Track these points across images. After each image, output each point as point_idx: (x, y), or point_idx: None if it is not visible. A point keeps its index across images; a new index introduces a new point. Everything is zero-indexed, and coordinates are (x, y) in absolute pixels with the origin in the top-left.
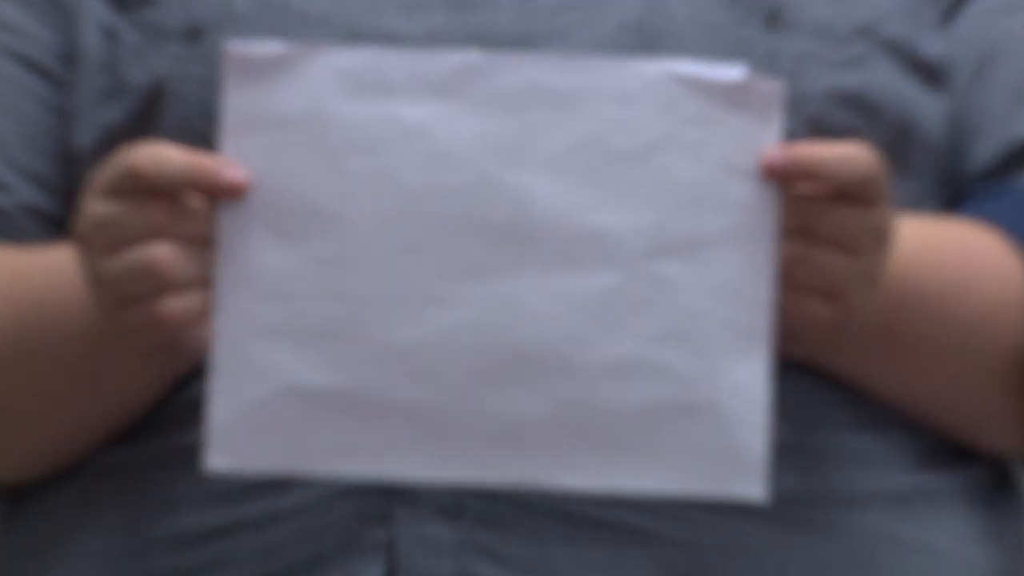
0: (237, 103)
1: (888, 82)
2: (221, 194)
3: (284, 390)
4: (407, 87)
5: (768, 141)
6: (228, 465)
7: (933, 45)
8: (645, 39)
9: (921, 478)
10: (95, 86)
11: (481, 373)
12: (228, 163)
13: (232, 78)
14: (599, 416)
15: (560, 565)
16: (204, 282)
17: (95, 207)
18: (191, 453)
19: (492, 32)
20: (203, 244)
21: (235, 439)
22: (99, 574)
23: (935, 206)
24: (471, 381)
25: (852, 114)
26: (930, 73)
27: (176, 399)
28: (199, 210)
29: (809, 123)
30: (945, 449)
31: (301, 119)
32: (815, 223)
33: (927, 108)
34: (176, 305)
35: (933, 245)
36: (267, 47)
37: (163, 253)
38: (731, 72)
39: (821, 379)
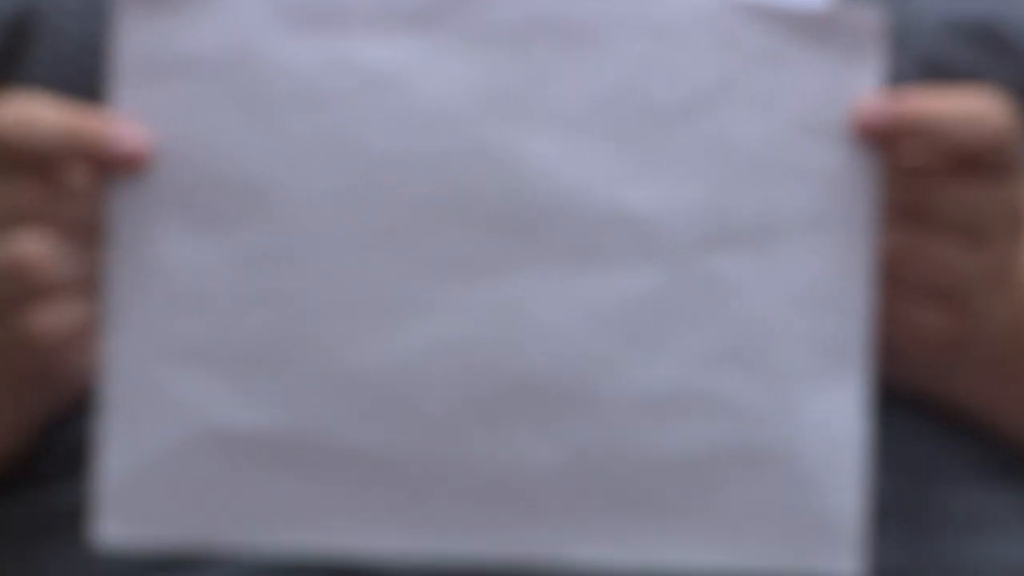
0: (134, 41)
1: None
2: (113, 167)
3: (200, 434)
4: (369, 20)
5: (863, 90)
6: (123, 535)
7: None
8: None
9: None
10: None
11: (470, 409)
12: (122, 124)
13: (127, 6)
14: (631, 467)
15: None
16: (90, 287)
17: None
18: (72, 518)
19: None
20: (88, 235)
21: (133, 500)
22: None
23: None
24: (456, 420)
25: (978, 52)
26: None
27: (53, 445)
28: (83, 189)
29: (920, 65)
30: None
31: (223, 63)
32: (927, 202)
33: None
34: (51, 317)
35: None
36: None
37: (33, 248)
38: None
39: (934, 415)
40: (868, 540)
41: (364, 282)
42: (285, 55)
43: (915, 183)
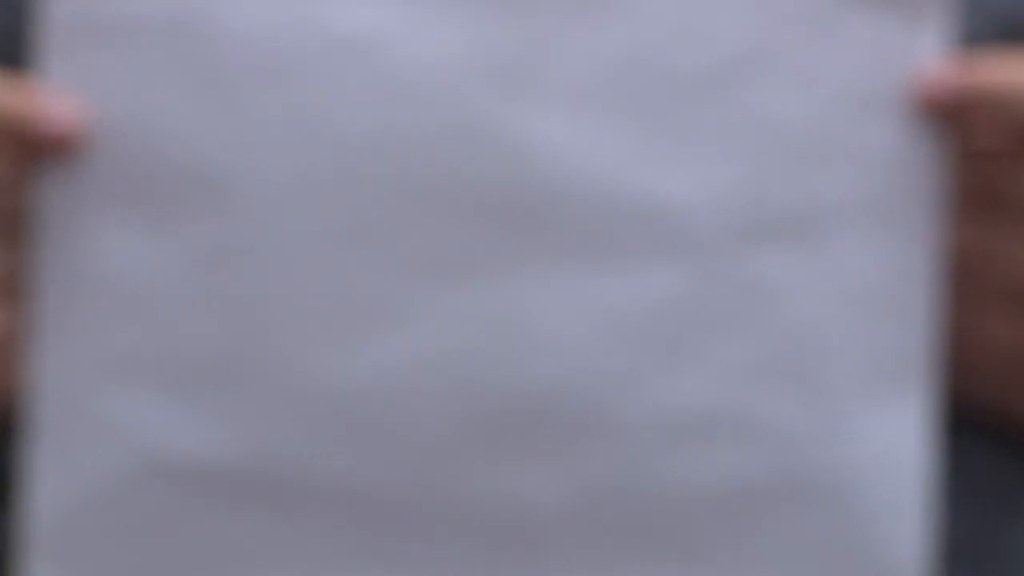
0: (64, 1)
1: None
2: (41, 150)
3: (143, 463)
4: None
5: (926, 57)
6: None
7: None
8: None
9: None
10: None
11: (462, 436)
12: (51, 100)
13: None
14: (654, 503)
15: None
16: (11, 292)
17: None
18: None
19: None
20: (11, 230)
21: (67, 538)
22: None
23: None
24: (446, 448)
25: None
26: None
27: None
28: (4, 176)
29: (996, 26)
30: None
31: (169, 27)
32: (1003, 191)
33: None
34: None
35: None
36: None
37: None
38: None
39: (1009, 440)
40: None
41: (337, 285)
42: (242, 17)
43: (988, 168)
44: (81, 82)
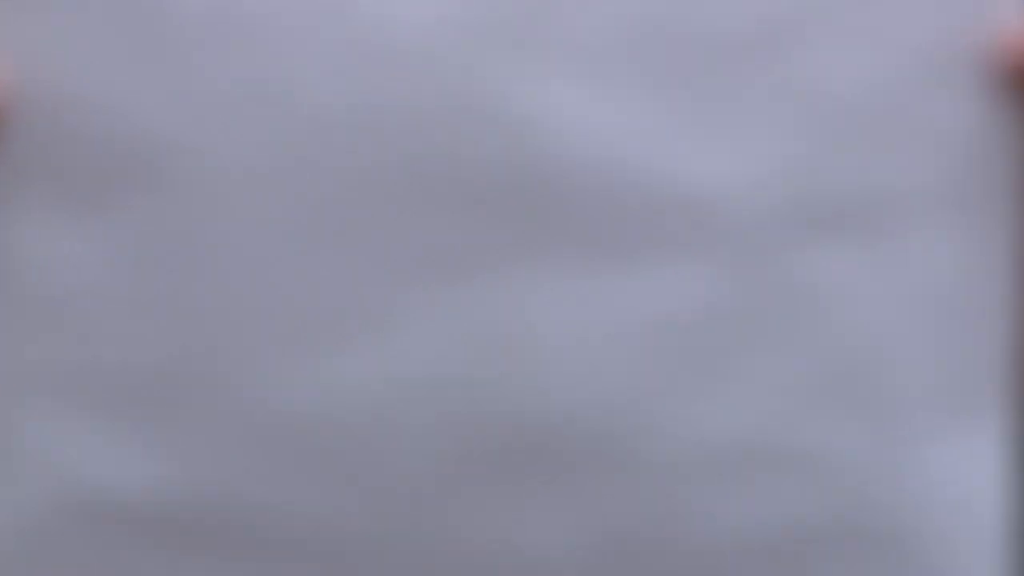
0: None
1: None
2: None
3: (68, 497)
4: None
5: (1008, 16)
6: None
7: None
8: None
9: None
10: None
11: (452, 467)
12: None
13: None
14: (684, 547)
15: None
16: None
17: None
18: None
19: None
20: None
21: None
22: None
23: None
24: (432, 482)
25: None
26: None
27: None
28: None
29: None
30: None
31: None
32: None
33: None
34: None
35: None
36: None
37: None
38: None
39: None
40: None
41: (302, 286)
42: None
43: None
44: None
